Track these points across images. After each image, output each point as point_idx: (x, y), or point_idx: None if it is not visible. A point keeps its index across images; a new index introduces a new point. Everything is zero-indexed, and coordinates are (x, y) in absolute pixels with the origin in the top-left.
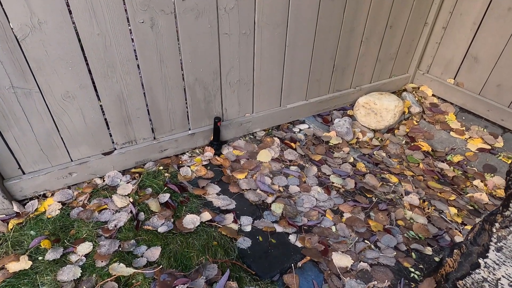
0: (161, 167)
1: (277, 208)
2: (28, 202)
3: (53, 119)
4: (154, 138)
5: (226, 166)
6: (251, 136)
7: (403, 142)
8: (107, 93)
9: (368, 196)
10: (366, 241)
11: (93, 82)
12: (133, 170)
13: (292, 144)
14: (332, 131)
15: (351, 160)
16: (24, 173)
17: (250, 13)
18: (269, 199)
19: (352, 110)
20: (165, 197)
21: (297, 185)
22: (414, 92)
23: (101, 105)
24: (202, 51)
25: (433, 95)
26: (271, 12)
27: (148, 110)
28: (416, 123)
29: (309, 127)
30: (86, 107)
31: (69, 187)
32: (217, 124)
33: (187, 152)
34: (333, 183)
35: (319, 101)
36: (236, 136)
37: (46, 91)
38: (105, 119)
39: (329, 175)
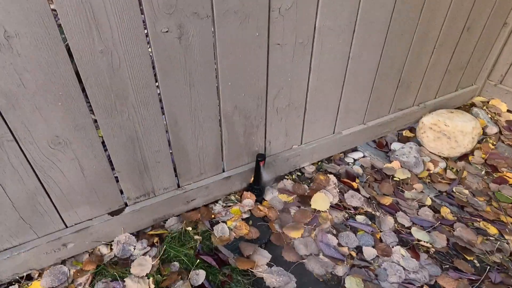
0: (189, 227)
1: (354, 286)
2: None
3: (37, 175)
4: (179, 187)
5: (273, 218)
6: (299, 173)
7: (483, 172)
8: (114, 134)
9: (469, 258)
10: None
11: (95, 121)
12: (150, 232)
13: (353, 183)
14: (395, 161)
15: (429, 202)
16: None
17: (310, 16)
18: (340, 270)
19: (414, 131)
20: (199, 276)
21: (372, 246)
22: (485, 108)
23: (106, 150)
24: (246, 68)
25: (508, 110)
26: (336, 13)
27: (171, 151)
28: (493, 147)
29: (364, 156)
30: (85, 155)
31: (63, 262)
32: (259, 164)
33: (220, 199)
34: (418, 240)
35: (378, 124)
36: (281, 175)
37: (25, 137)
38: (112, 168)
39: (409, 228)
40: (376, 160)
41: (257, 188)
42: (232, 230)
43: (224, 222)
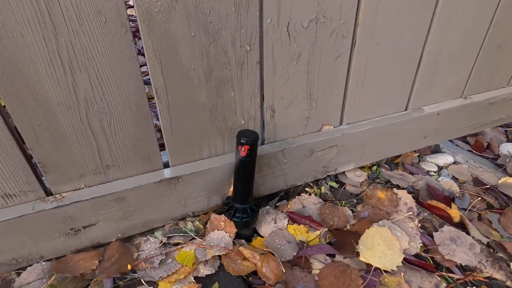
0: None
1: None
2: None
3: None
4: (49, 195)
5: (271, 281)
6: (334, 184)
7: None
8: None
9: None
10: None
11: None
12: None
13: (449, 210)
14: None
15: None
16: None
17: None
18: None
19: None
20: None
21: None
22: None
23: None
24: None
25: None
26: None
27: None
28: None
29: (455, 162)
30: None
31: None
32: (241, 154)
33: (159, 229)
34: None
35: (489, 102)
36: (296, 184)
37: None
38: None
39: None
40: (480, 170)
41: (241, 208)
42: None
43: (153, 283)
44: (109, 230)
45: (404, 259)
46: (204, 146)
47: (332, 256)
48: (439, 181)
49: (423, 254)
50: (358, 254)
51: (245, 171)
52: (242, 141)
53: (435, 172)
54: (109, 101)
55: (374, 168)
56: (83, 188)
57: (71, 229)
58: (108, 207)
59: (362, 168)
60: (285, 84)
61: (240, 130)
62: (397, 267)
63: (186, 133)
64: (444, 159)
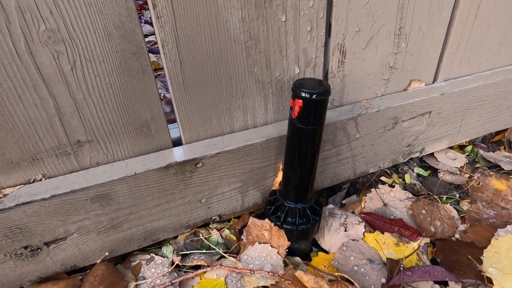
0: None
1: None
2: None
3: None
4: None
5: None
6: (422, 170)
7: None
8: None
9: None
10: None
11: None
12: None
13: None
14: None
15: None
16: None
17: None
18: None
19: None
20: None
21: None
22: None
23: None
24: None
25: None
26: None
27: None
28: None
29: None
30: None
31: None
32: (293, 115)
33: (170, 243)
34: None
35: None
36: (368, 172)
37: None
38: None
39: None
40: None
41: (295, 209)
42: None
43: None
44: (89, 247)
45: None
46: (235, 110)
47: (443, 284)
48: None
49: None
50: (486, 279)
51: (303, 147)
52: (301, 93)
53: None
54: (66, 16)
55: (469, 148)
56: (40, 179)
57: (25, 248)
58: (83, 210)
59: (451, 147)
60: (365, 5)
61: (297, 80)
62: None
63: (206, 86)
64: None
